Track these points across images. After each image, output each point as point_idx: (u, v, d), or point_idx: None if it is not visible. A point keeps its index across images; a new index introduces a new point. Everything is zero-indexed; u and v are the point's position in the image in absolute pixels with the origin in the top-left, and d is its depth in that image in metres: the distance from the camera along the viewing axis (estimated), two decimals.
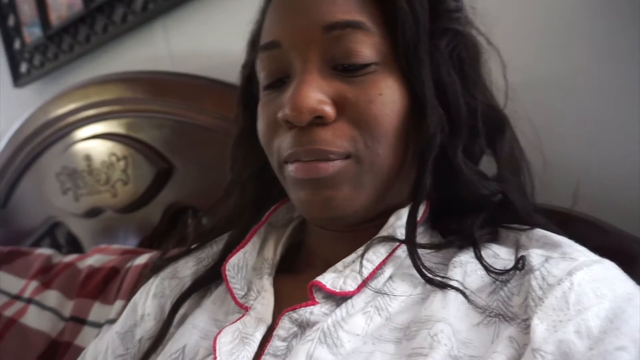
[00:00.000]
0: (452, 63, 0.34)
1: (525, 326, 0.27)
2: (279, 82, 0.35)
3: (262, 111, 0.36)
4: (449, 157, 0.33)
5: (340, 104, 0.32)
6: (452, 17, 0.34)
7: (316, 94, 0.32)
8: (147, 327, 0.40)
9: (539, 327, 0.25)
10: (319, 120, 0.32)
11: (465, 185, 0.34)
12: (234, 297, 0.36)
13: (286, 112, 0.32)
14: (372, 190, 0.33)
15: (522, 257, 0.30)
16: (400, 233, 0.33)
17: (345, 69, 0.33)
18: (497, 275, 0.30)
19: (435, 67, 0.33)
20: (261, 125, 0.37)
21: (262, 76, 0.36)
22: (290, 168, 0.34)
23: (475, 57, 0.36)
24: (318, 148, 0.32)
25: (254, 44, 0.40)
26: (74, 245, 0.89)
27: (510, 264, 0.30)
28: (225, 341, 0.32)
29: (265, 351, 0.31)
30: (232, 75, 0.46)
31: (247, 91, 0.41)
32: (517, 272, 0.30)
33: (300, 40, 0.33)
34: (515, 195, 0.34)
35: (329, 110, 0.32)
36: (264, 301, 0.35)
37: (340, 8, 0.32)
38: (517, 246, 0.32)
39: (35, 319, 0.62)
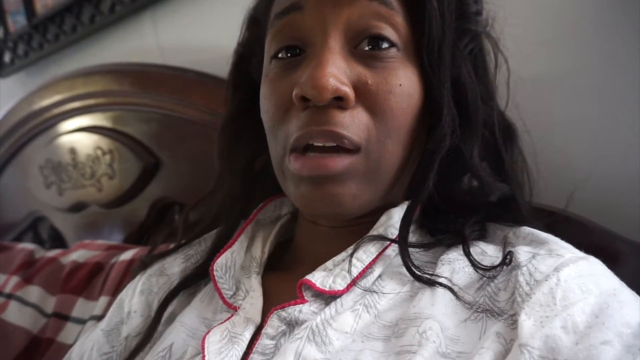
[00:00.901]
0: (474, 67, 0.34)
1: (512, 321, 0.27)
2: (293, 50, 0.33)
3: (272, 87, 0.34)
4: (464, 158, 0.33)
5: (359, 89, 0.31)
6: (475, 20, 0.34)
7: (339, 74, 0.30)
8: (134, 324, 0.39)
9: (526, 322, 0.25)
10: (338, 103, 0.31)
11: (482, 187, 0.34)
12: (222, 297, 0.36)
13: (306, 89, 0.30)
14: (377, 187, 0.33)
15: (510, 253, 0.30)
16: (391, 232, 0.33)
17: (366, 52, 0.32)
18: (485, 272, 0.30)
19: (456, 67, 0.33)
20: (268, 105, 0.34)
21: (273, 44, 0.34)
22: (295, 165, 0.32)
23: (491, 65, 0.36)
24: (334, 130, 0.30)
25: (255, 21, 0.39)
26: (57, 241, 0.88)
27: (497, 261, 0.30)
28: (213, 340, 0.31)
29: (254, 350, 0.31)
30: (223, 69, 0.46)
31: (240, 70, 0.40)
32: (505, 268, 0.30)
33: (325, 2, 0.31)
34: (522, 199, 0.35)
35: (350, 93, 0.31)
36: (253, 301, 0.34)
37: None
38: (504, 243, 0.32)
39: (16, 315, 0.60)
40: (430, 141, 0.33)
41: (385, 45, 0.32)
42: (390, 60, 0.32)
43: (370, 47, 0.32)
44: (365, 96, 0.31)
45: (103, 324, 0.41)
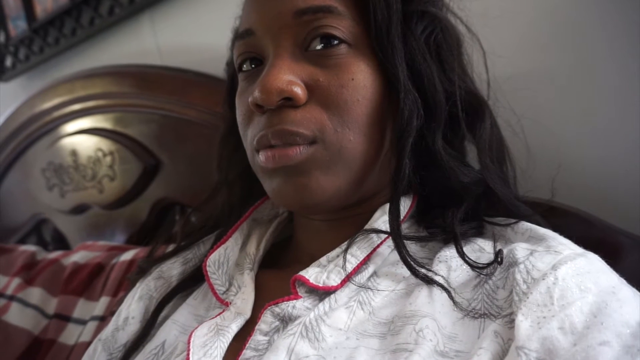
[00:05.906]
0: (428, 48, 0.34)
1: (510, 320, 0.27)
2: (254, 69, 0.35)
3: (238, 101, 0.37)
4: (428, 144, 0.33)
5: (312, 87, 0.32)
6: (426, 0, 0.34)
7: (286, 76, 0.32)
8: (132, 330, 0.39)
9: (523, 323, 0.25)
10: (289, 103, 0.32)
11: (445, 172, 0.33)
12: (214, 293, 0.36)
13: (255, 95, 0.32)
14: (345, 177, 0.33)
15: (500, 251, 0.30)
16: (385, 227, 0.33)
17: (317, 52, 0.33)
18: (480, 270, 0.30)
19: (410, 51, 0.33)
20: (238, 116, 0.36)
21: (238, 64, 0.37)
22: (261, 158, 0.34)
23: (454, 43, 0.36)
24: (285, 128, 0.32)
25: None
26: (61, 243, 0.88)
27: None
28: (200, 334, 0.32)
29: (247, 345, 0.31)
30: (221, 69, 0.46)
31: (232, 90, 0.41)
32: (501, 265, 0.29)
33: (272, 26, 0.33)
34: (496, 183, 0.34)
35: (298, 91, 0.32)
36: (244, 296, 0.34)
37: None
38: (494, 239, 0.32)
39: (17, 316, 0.60)
40: (396, 127, 0.33)
41: (335, 42, 0.32)
42: (341, 57, 0.32)
43: (321, 45, 0.33)
44: (318, 92, 0.32)
45: (102, 334, 0.41)
